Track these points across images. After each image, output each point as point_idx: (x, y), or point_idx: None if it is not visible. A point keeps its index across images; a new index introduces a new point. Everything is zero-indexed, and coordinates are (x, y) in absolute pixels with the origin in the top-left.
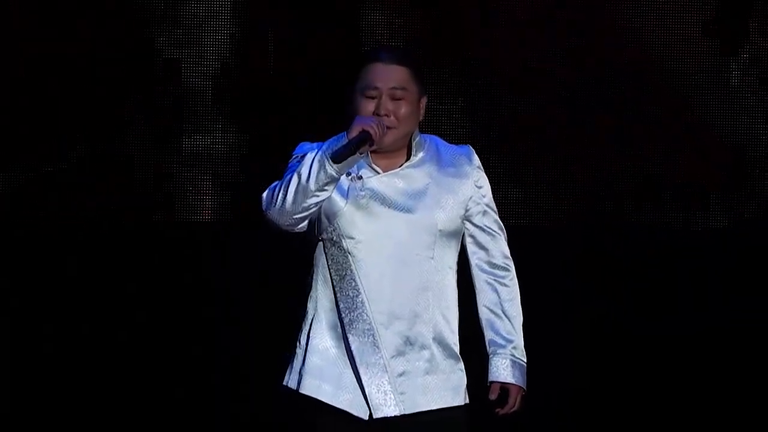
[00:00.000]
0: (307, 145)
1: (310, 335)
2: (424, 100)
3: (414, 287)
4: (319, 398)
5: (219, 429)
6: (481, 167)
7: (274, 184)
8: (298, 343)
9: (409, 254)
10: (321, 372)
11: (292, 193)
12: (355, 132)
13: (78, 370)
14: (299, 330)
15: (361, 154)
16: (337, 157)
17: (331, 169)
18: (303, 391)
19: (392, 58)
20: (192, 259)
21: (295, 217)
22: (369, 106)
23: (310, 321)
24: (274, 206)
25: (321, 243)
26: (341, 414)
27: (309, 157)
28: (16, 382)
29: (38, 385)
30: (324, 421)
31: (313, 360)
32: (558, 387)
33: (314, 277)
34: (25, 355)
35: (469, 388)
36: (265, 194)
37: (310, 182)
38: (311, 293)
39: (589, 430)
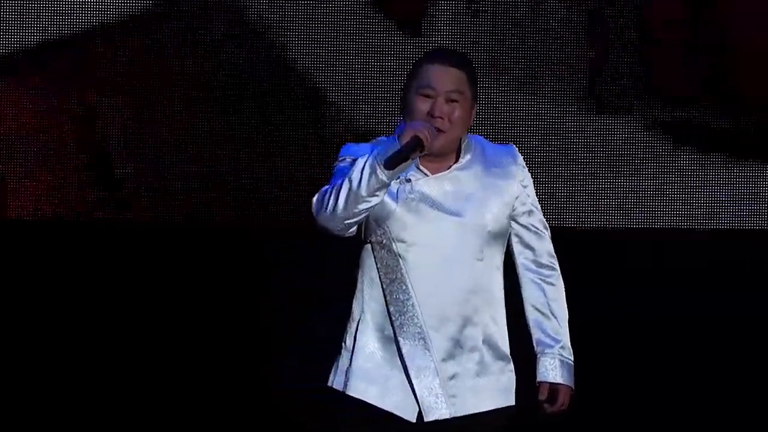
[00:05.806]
0: (353, 146)
1: (357, 337)
2: (474, 107)
3: (464, 290)
4: (365, 400)
5: (217, 429)
6: (525, 166)
7: (324, 188)
8: (344, 345)
9: (459, 257)
10: (367, 374)
11: (344, 199)
12: (407, 137)
13: (73, 370)
14: (344, 331)
15: (412, 159)
16: (390, 164)
17: (382, 175)
18: (350, 392)
19: (452, 61)
20: (199, 261)
21: (346, 222)
22: (424, 106)
23: (356, 323)
24: (325, 211)
25: (369, 245)
26: (388, 416)
27: (360, 162)
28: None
29: (37, 385)
30: (371, 423)
31: (359, 362)
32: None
33: (361, 279)
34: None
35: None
36: (315, 199)
37: (361, 188)
38: (357, 295)
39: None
